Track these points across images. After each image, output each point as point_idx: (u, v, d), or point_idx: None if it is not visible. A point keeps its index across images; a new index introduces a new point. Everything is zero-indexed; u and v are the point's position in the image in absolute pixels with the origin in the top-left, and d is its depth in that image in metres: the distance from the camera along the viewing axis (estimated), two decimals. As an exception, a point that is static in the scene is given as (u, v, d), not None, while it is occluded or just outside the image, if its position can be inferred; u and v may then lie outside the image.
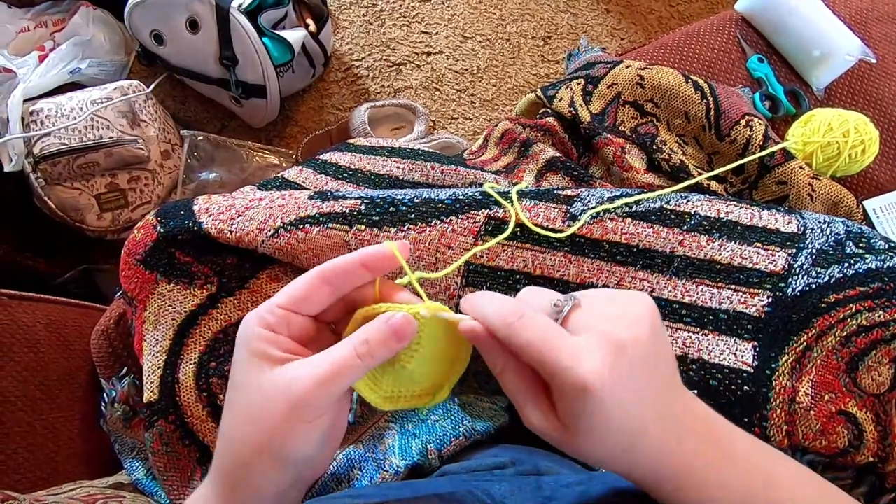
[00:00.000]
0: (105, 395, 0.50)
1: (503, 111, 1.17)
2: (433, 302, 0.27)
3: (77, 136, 0.87)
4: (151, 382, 0.45)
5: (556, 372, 0.24)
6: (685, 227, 0.47)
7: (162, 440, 0.45)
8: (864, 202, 0.57)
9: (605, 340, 0.24)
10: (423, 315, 0.26)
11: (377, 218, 0.47)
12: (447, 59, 1.19)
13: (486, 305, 0.26)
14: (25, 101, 0.87)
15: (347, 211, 0.47)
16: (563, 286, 0.47)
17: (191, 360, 0.46)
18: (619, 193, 0.49)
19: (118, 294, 0.55)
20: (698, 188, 0.57)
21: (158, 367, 0.45)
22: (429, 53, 1.19)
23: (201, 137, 1.01)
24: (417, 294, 0.28)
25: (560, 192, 0.49)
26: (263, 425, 0.24)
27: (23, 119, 0.86)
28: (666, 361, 0.27)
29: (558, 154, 0.61)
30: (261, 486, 0.25)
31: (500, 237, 0.44)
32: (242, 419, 0.25)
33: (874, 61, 0.62)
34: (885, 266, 0.44)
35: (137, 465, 0.48)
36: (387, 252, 0.26)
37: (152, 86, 0.97)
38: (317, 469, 0.29)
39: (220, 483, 0.26)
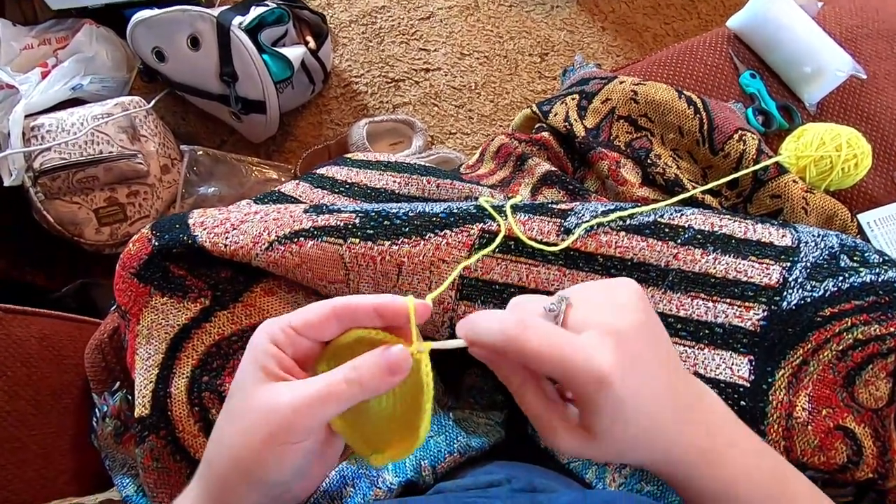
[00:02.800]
0: (97, 409, 0.50)
1: (500, 126, 1.18)
2: (429, 343, 0.26)
3: (77, 151, 0.87)
4: (143, 397, 0.45)
5: (572, 372, 0.24)
6: (679, 241, 0.47)
7: (153, 455, 0.44)
8: (859, 216, 0.57)
9: (607, 332, 0.25)
10: (420, 350, 0.26)
11: (371, 231, 0.47)
12: (445, 75, 1.20)
13: (482, 323, 0.26)
14: (27, 116, 0.87)
15: (342, 224, 0.47)
16: (557, 300, 0.47)
17: (183, 374, 0.45)
18: (613, 207, 0.49)
19: (113, 308, 0.55)
20: (693, 202, 0.57)
21: (150, 382, 0.45)
22: (427, 70, 1.21)
23: (201, 152, 1.02)
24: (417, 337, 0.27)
25: (554, 205, 0.49)
26: (242, 442, 0.24)
27: (24, 134, 0.86)
28: (665, 341, 0.27)
29: (554, 168, 0.61)
30: (237, 501, 0.25)
31: (489, 248, 0.44)
32: (228, 429, 0.26)
33: (865, 77, 0.63)
34: (879, 279, 0.44)
35: (128, 481, 0.48)
36: (403, 308, 0.26)
37: (153, 101, 0.98)
38: (299, 492, 0.29)
39: (204, 492, 0.27)
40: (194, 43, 0.96)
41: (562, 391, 0.28)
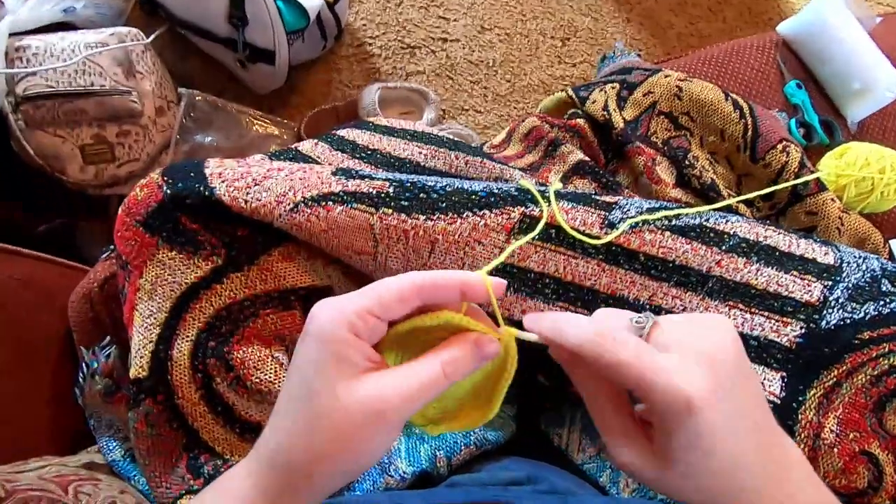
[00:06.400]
0: (84, 365, 0.45)
1: (515, 108, 1.14)
2: (511, 328, 0.26)
3: (66, 80, 0.80)
4: (141, 357, 0.41)
5: (658, 390, 0.23)
6: (724, 248, 0.45)
7: (147, 421, 0.41)
8: (891, 241, 0.57)
9: (699, 358, 0.23)
10: (508, 334, 0.26)
11: (406, 203, 0.43)
12: (463, 48, 1.16)
13: (569, 326, 0.25)
14: (11, 35, 0.79)
15: (374, 192, 0.43)
16: (592, 296, 0.45)
17: (188, 336, 0.42)
18: (657, 206, 0.47)
19: (106, 255, 0.50)
20: (727, 210, 0.56)
21: (151, 342, 0.41)
22: (445, 40, 1.15)
23: (200, 97, 0.95)
24: (497, 321, 0.26)
25: (598, 197, 0.47)
26: (338, 436, 0.23)
27: (6, 54, 0.78)
28: (757, 392, 0.25)
29: (586, 158, 0.59)
30: (314, 494, 0.24)
31: (535, 232, 0.42)
32: (312, 427, 0.23)
33: (911, 100, 0.62)
34: (919, 308, 0.44)
35: (114, 444, 0.44)
36: (482, 285, 0.25)
37: (152, 36, 0.91)
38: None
39: (265, 493, 0.24)
40: (204, -23, 0.89)
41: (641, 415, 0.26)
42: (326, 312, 0.24)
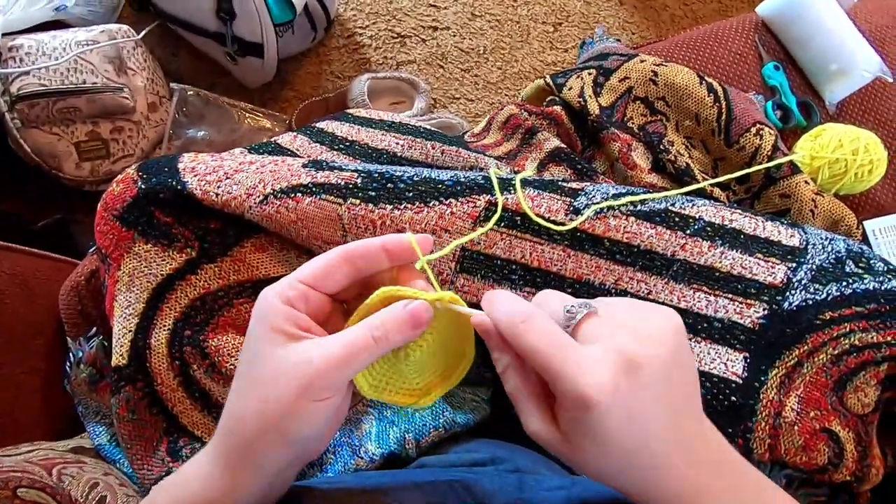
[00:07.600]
0: (71, 354, 0.47)
1: (506, 95, 1.14)
2: (448, 292, 0.27)
3: (58, 79, 0.82)
4: (121, 346, 0.43)
5: (558, 380, 0.23)
6: (688, 231, 0.46)
7: (128, 407, 0.43)
8: (865, 223, 0.57)
9: (617, 355, 0.23)
10: (438, 307, 0.26)
11: (373, 193, 0.44)
12: (454, 35, 1.15)
13: (497, 303, 0.26)
14: (4, 35, 0.81)
15: (343, 183, 0.45)
16: (558, 281, 0.45)
17: (164, 326, 0.43)
18: (624, 191, 0.48)
19: (93, 249, 0.52)
20: (701, 193, 0.56)
21: (129, 331, 0.43)
22: (435, 28, 1.15)
23: (191, 92, 0.96)
24: (432, 284, 0.28)
25: (565, 184, 0.48)
26: (273, 402, 0.24)
27: (0, 54, 0.80)
28: (685, 384, 0.25)
29: (563, 145, 0.59)
30: (262, 465, 0.25)
31: (489, 225, 0.43)
32: (252, 395, 0.25)
33: (890, 80, 0.61)
34: (882, 288, 0.44)
35: (101, 429, 0.46)
36: (407, 243, 0.27)
37: (143, 33, 0.92)
38: (316, 450, 0.29)
39: (222, 460, 0.25)
40: (191, -27, 0.90)
41: None
42: (265, 291, 0.26)
